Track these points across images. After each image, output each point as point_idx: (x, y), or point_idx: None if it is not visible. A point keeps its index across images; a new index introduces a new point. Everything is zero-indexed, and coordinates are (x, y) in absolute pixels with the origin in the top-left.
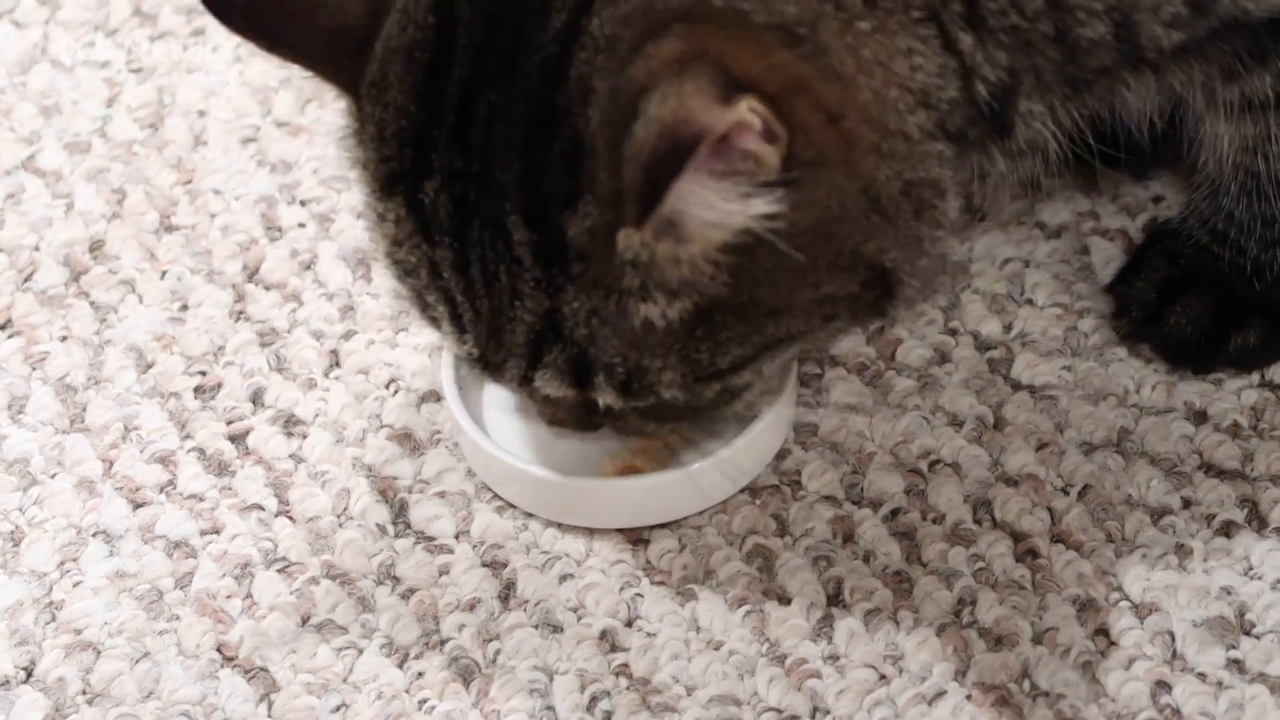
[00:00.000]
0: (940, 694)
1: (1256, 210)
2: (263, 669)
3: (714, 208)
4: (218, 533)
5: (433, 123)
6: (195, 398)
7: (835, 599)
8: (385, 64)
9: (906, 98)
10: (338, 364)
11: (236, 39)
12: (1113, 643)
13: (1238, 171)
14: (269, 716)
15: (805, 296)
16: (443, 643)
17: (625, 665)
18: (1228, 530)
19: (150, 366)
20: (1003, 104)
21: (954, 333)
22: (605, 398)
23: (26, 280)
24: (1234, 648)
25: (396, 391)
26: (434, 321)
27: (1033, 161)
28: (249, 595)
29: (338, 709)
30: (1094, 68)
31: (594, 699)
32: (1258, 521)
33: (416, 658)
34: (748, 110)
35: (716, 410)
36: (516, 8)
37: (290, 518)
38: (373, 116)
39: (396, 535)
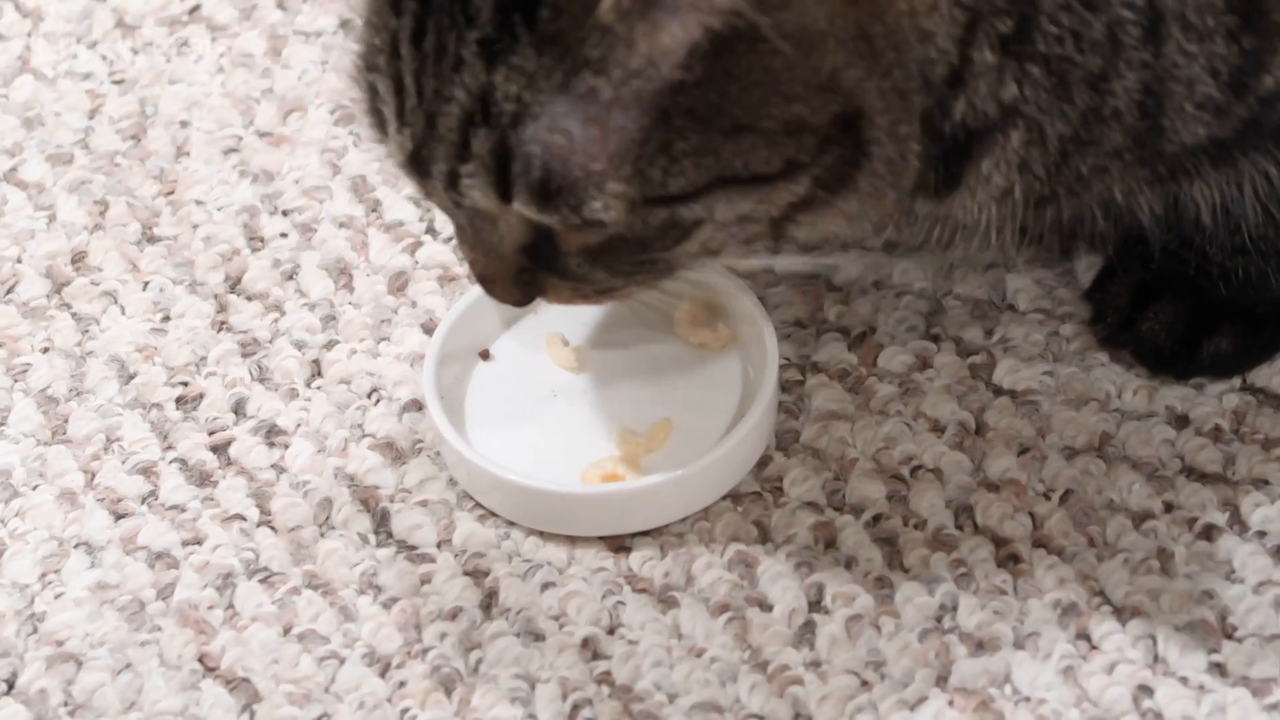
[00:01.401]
0: (922, 699)
1: (1220, 220)
2: (245, 679)
3: None
4: (199, 543)
5: None
6: (177, 408)
7: (817, 605)
8: None
9: (912, 19)
10: (320, 374)
11: (219, 50)
12: (1094, 647)
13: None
14: None
15: (774, 113)
16: (425, 652)
17: (607, 673)
18: (1209, 534)
19: (132, 378)
20: (968, 146)
21: (935, 339)
22: (521, 203)
23: (9, 292)
24: (1216, 651)
25: (378, 401)
26: (379, 119)
27: (941, 231)
28: (231, 606)
29: (320, 719)
30: (1103, 149)
31: (576, 707)
32: (1239, 525)
33: (398, 667)
34: None
35: (663, 248)
36: None
37: (272, 528)
38: None
39: (378, 544)
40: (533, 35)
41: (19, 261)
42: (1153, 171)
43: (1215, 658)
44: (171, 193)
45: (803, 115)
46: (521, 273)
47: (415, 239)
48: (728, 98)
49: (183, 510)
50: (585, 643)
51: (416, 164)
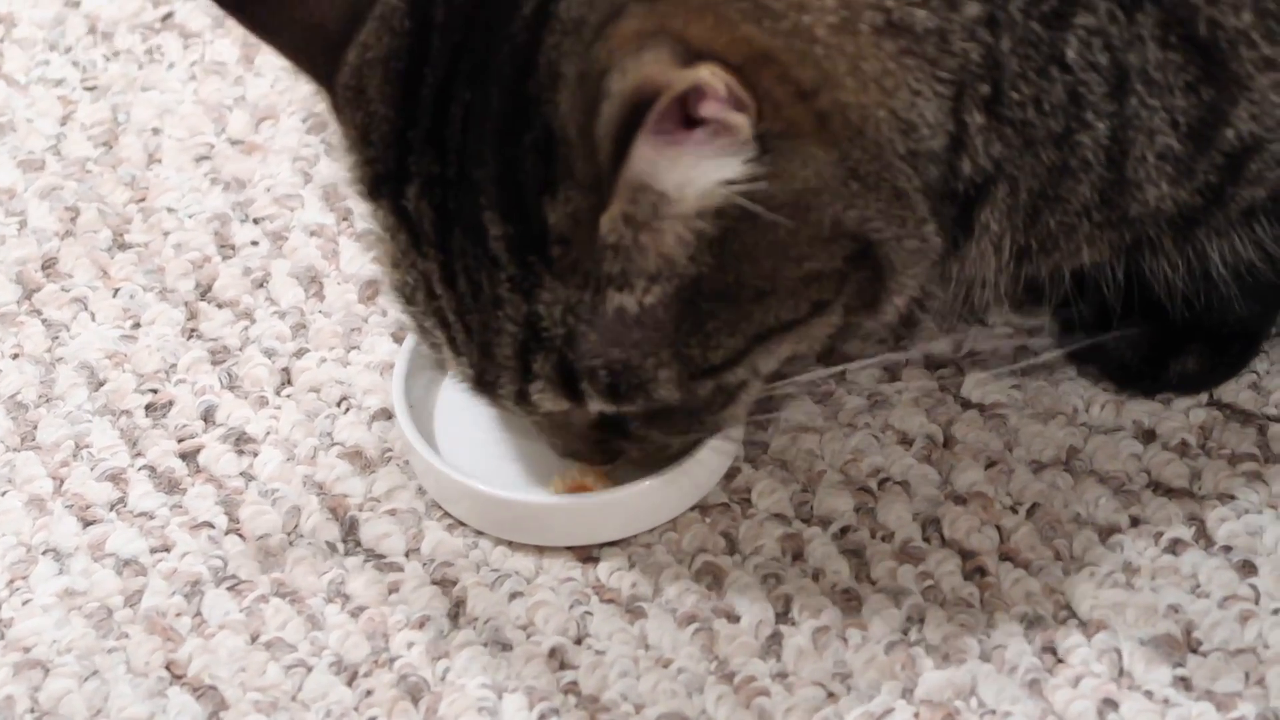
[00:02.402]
0: (888, 711)
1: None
2: (211, 687)
3: (686, 174)
4: (168, 550)
5: (410, 126)
6: (146, 415)
7: (784, 616)
8: (363, 73)
9: (893, 120)
10: (289, 382)
11: (191, 58)
12: (1060, 660)
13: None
14: None
15: (790, 274)
16: (392, 661)
17: (574, 683)
18: (1175, 548)
19: (102, 384)
20: (976, 198)
21: (904, 351)
22: (595, 404)
23: None
24: (1181, 665)
25: (348, 409)
26: (436, 349)
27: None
28: (198, 613)
29: None
30: (1071, 206)
31: (543, 716)
32: (1205, 540)
33: (365, 675)
34: (708, 74)
35: (713, 413)
36: (490, 2)
37: (240, 535)
38: (353, 121)
39: (346, 553)
40: (552, 269)
41: None
42: (1119, 237)
43: (1180, 671)
44: (143, 199)
45: (818, 267)
46: (599, 442)
47: None
48: (744, 273)
49: (151, 517)
50: (553, 652)
51: (483, 387)
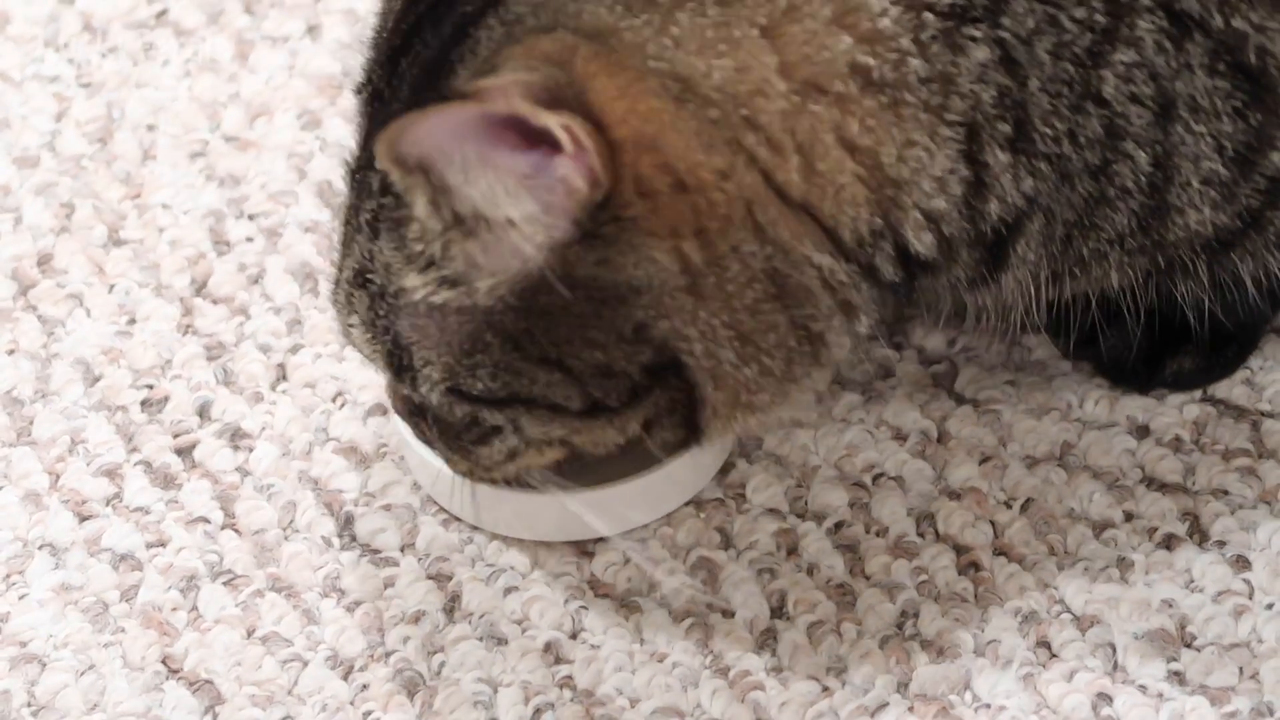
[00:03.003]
0: (883, 706)
1: (1214, 272)
2: (208, 681)
3: (494, 195)
4: (164, 545)
5: (385, 45)
6: (142, 411)
7: (779, 611)
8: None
9: (858, 190)
10: (285, 378)
11: (186, 54)
12: (1054, 655)
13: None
14: None
15: (578, 357)
16: (388, 655)
17: (569, 677)
18: (1169, 543)
19: (97, 380)
20: (1008, 235)
21: (898, 347)
22: (382, 368)
23: None
24: (1175, 660)
25: (343, 405)
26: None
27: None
28: (194, 608)
29: None
30: (1105, 234)
31: (538, 711)
32: (1199, 535)
33: (361, 670)
34: (553, 121)
35: (468, 443)
36: None
37: (236, 530)
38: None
39: (342, 548)
40: (385, 220)
41: None
42: (1151, 262)
43: (1174, 666)
44: (138, 196)
45: (607, 363)
46: (412, 416)
47: None
48: (536, 330)
49: (147, 512)
50: (548, 647)
51: (335, 304)
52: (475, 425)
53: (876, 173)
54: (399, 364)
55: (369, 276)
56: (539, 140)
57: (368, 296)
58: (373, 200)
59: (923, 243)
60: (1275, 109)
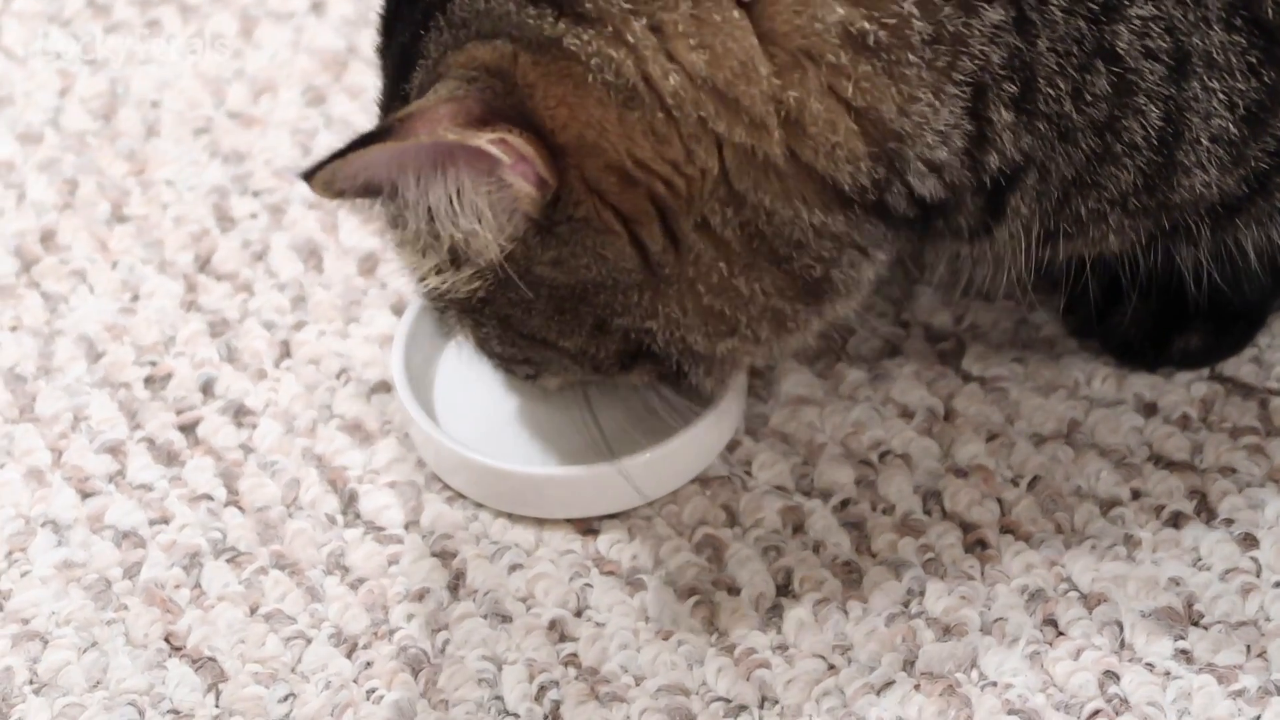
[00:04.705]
0: (889, 684)
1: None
2: (211, 659)
3: (440, 203)
4: (166, 522)
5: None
6: (145, 388)
7: (784, 589)
8: None
9: (856, 144)
10: (288, 354)
11: (190, 31)
12: (1061, 633)
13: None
14: (217, 706)
15: (561, 341)
16: (391, 633)
17: (574, 655)
18: (1176, 521)
19: (100, 357)
20: (1006, 186)
21: (905, 325)
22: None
23: None
24: (1182, 638)
25: (347, 382)
26: None
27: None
28: (197, 585)
29: (285, 698)
30: (1106, 193)
31: (542, 689)
32: (1206, 513)
33: (365, 647)
34: (488, 140)
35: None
36: None
37: (239, 508)
38: None
39: (346, 525)
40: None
41: None
42: (1155, 224)
43: (1181, 644)
44: (141, 172)
45: (582, 347)
46: None
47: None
48: (513, 316)
49: (150, 489)
50: (552, 625)
51: None
52: (505, 367)
53: (876, 127)
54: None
55: None
56: (482, 152)
57: None
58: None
59: (927, 187)
60: None
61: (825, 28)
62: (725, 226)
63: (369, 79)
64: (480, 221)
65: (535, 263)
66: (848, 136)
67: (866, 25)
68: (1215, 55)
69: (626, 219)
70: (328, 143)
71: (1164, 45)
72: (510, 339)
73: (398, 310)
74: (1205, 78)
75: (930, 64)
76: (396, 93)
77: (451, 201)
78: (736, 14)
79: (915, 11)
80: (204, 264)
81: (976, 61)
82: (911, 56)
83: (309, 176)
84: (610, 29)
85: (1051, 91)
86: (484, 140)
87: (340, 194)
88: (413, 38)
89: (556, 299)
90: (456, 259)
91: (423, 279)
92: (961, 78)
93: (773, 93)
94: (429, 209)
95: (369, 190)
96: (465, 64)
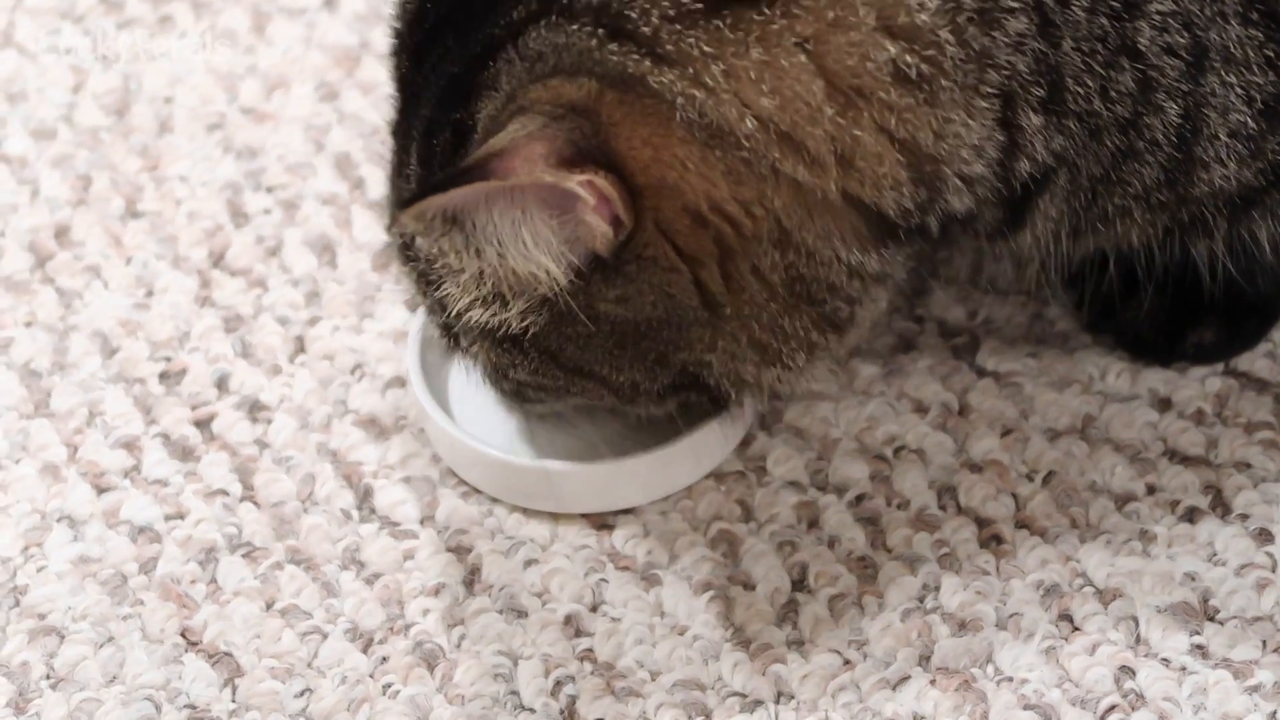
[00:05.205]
0: (904, 679)
1: (1235, 231)
2: (227, 653)
3: (516, 237)
4: (182, 518)
5: (409, 33)
6: (160, 383)
7: (800, 584)
8: None
9: (899, 173)
10: (303, 350)
11: (203, 26)
12: (1076, 628)
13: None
14: (233, 701)
15: (610, 375)
16: (407, 628)
17: (590, 650)
18: (1191, 516)
19: (115, 352)
20: (1034, 191)
21: (919, 320)
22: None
23: None
24: (1198, 633)
25: (362, 377)
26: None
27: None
28: (213, 580)
29: (302, 693)
30: (1130, 189)
31: (558, 683)
32: (1221, 508)
33: (381, 642)
34: (578, 183)
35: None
36: None
37: (255, 503)
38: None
39: (361, 520)
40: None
41: (2, 235)
42: (1173, 218)
43: (1197, 639)
44: (155, 168)
45: (635, 380)
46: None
47: None
48: (564, 349)
49: (165, 485)
50: (568, 620)
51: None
52: (520, 393)
53: (916, 155)
54: (444, 329)
55: (409, 251)
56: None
57: (414, 272)
58: (407, 188)
59: (961, 202)
60: None
61: (877, 66)
62: (773, 270)
63: (381, 75)
64: (550, 256)
65: (599, 299)
66: (893, 167)
67: (909, 59)
68: (1233, 50)
69: (689, 259)
70: (341, 138)
71: (1182, 41)
72: (548, 370)
73: (412, 306)
74: (1223, 73)
75: (961, 84)
76: (446, 120)
77: (525, 236)
78: (803, 58)
79: (950, 39)
80: (218, 259)
81: (1003, 72)
82: (945, 82)
83: (405, 206)
84: (691, 71)
85: (1080, 90)
86: (574, 182)
87: (426, 229)
88: (471, 67)
89: (619, 334)
90: (512, 292)
91: (462, 312)
92: (990, 90)
93: (833, 132)
94: (499, 241)
95: (447, 221)
96: (551, 100)
